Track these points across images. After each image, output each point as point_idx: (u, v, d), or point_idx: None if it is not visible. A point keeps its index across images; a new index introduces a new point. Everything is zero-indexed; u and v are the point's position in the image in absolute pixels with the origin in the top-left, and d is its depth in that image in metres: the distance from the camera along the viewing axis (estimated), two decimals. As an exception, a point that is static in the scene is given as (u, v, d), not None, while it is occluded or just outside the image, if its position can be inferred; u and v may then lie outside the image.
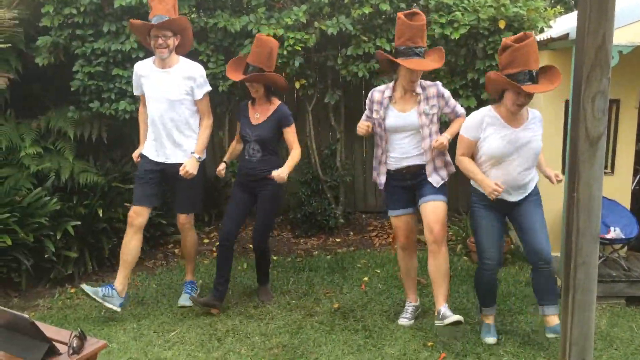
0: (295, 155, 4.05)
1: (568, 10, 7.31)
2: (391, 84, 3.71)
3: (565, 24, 4.85)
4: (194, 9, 5.27)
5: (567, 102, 4.45)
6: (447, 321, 3.43)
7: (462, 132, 3.50)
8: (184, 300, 4.24)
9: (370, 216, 6.31)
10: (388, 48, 5.02)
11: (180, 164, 4.03)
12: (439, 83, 3.68)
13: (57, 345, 2.17)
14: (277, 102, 4.08)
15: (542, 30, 4.95)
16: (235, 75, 4.05)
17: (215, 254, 5.34)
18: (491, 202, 3.44)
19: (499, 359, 3.41)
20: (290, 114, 4.11)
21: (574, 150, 1.80)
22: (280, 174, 3.87)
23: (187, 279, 4.41)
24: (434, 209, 3.60)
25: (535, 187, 3.52)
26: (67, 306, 4.31)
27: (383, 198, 3.92)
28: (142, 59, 4.41)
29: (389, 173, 3.74)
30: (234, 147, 4.36)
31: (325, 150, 5.92)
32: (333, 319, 3.97)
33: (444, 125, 3.87)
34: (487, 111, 3.43)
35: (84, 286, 3.94)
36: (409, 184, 3.71)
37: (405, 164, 3.67)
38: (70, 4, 4.87)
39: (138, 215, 4.02)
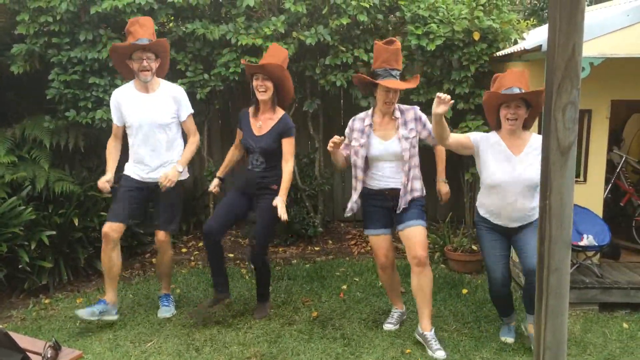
0: (288, 172, 3.90)
1: (541, 22, 7.48)
2: (370, 111, 3.77)
3: (539, 35, 4.96)
4: (172, 18, 5.27)
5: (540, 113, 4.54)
6: (436, 356, 3.53)
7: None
8: (165, 312, 4.20)
9: (349, 225, 6.34)
10: (366, 58, 5.09)
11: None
12: (416, 107, 3.73)
13: (31, 355, 2.14)
14: (280, 112, 3.97)
15: (515, 42, 5.07)
16: (254, 65, 3.91)
17: (192, 264, 5.31)
18: (493, 225, 3.56)
19: (476, 365, 3.45)
20: (294, 127, 4.01)
21: (546, 159, 1.84)
22: (280, 204, 3.79)
23: (162, 292, 4.37)
24: (417, 234, 3.65)
25: None
26: (42, 317, 4.23)
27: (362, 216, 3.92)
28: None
29: (369, 193, 3.75)
30: (232, 156, 4.27)
31: (304, 159, 5.94)
32: (312, 327, 3.97)
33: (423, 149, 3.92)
34: (492, 134, 3.56)
35: (79, 312, 3.86)
36: (389, 205, 3.73)
37: (387, 186, 3.70)
38: (46, 12, 4.83)
39: (113, 231, 3.93)
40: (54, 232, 4.57)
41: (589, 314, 4.16)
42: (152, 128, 3.96)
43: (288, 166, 3.92)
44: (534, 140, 3.49)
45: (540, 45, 3.92)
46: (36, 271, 4.53)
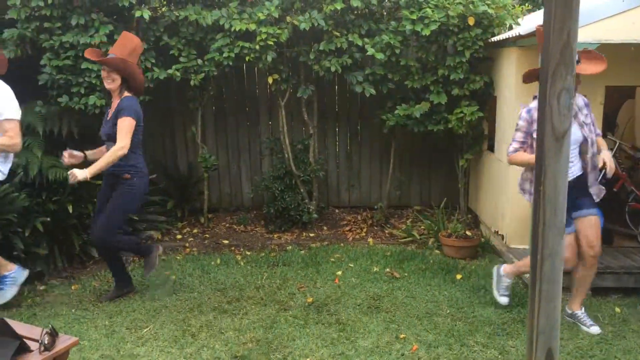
0: (112, 150, 3.82)
1: (537, 7, 7.45)
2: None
3: (534, 21, 4.95)
4: (164, 2, 5.22)
5: (534, 97, 4.54)
6: (591, 331, 3.65)
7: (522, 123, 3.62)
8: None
9: (343, 211, 6.35)
10: (360, 43, 5.06)
11: None
12: (580, 95, 3.69)
13: (28, 342, 2.14)
14: (125, 95, 3.98)
15: (510, 28, 5.06)
16: (93, 55, 3.98)
17: (187, 251, 5.32)
18: None
19: (470, 349, 3.48)
20: (132, 106, 3.91)
21: (541, 145, 1.85)
22: (77, 173, 3.70)
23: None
24: (594, 224, 3.62)
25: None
26: (37, 304, 4.23)
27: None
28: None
29: None
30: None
31: (299, 146, 5.93)
32: (307, 313, 4.00)
33: None
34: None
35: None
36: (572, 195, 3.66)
37: (571, 176, 3.62)
38: (38, -4, 4.77)
39: None
40: (48, 219, 4.56)
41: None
42: None
43: (115, 146, 3.84)
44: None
45: (534, 31, 3.90)
46: (31, 258, 4.52)
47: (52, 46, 4.88)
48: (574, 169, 3.64)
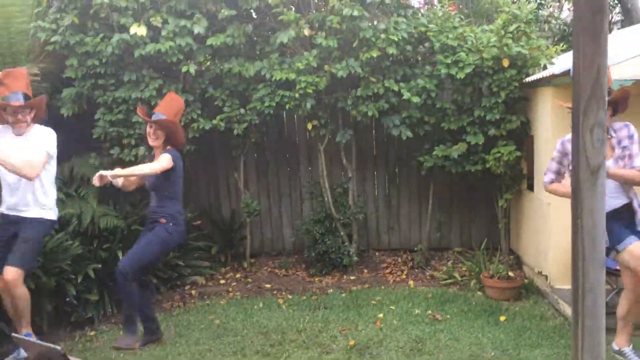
0: (142, 165, 4.17)
1: (571, 47, 7.47)
2: None
3: (568, 60, 4.98)
4: (209, 57, 5.51)
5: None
6: None
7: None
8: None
9: (383, 254, 6.34)
10: (396, 89, 5.19)
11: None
12: (629, 124, 3.60)
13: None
14: (168, 148, 4.19)
15: (545, 67, 5.11)
16: (144, 115, 4.25)
17: (230, 295, 5.40)
18: None
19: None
20: (175, 154, 4.15)
21: (576, 179, 1.89)
22: (105, 172, 3.97)
23: (24, 330, 3.95)
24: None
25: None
26: (87, 349, 4.36)
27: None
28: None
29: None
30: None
31: (338, 189, 6.02)
32: (349, 356, 3.99)
33: None
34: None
35: None
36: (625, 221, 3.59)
37: (618, 203, 3.57)
38: (93, 55, 5.13)
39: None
40: (99, 266, 4.74)
41: (632, 339, 4.04)
42: None
43: (149, 164, 4.10)
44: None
45: (569, 70, 3.95)
46: (82, 304, 4.69)
47: (105, 101, 5.21)
48: (618, 201, 3.57)
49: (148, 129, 4.19)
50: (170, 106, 4.22)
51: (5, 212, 4.02)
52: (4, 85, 3.92)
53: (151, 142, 4.19)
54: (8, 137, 3.97)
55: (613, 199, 3.53)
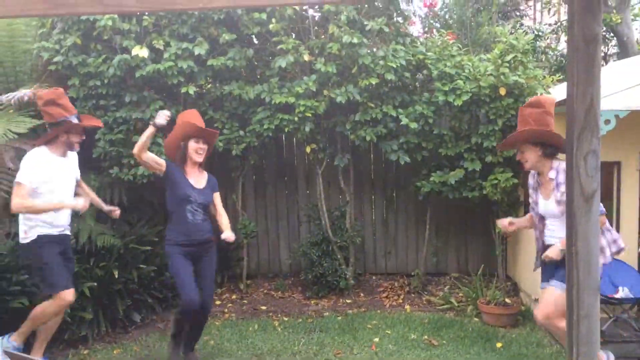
0: (223, 215, 4.26)
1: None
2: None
3: (564, 90, 5.07)
4: (210, 80, 5.59)
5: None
6: None
7: None
8: None
9: (380, 277, 6.34)
10: (394, 114, 5.26)
11: None
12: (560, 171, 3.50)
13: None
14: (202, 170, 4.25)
15: (541, 97, 5.18)
16: (208, 130, 4.20)
17: (226, 316, 5.38)
18: None
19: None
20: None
21: (570, 206, 1.92)
22: (229, 232, 4.09)
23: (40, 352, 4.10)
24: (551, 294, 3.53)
25: None
26: (80, 368, 4.33)
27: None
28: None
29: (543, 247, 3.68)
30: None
31: (335, 212, 6.05)
32: (345, 380, 3.97)
33: None
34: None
35: None
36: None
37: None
38: (95, 76, 5.19)
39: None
40: (94, 284, 4.73)
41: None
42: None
43: (224, 214, 4.27)
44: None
45: (565, 99, 4.02)
46: (76, 322, 4.66)
47: (106, 121, 5.25)
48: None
49: (196, 144, 4.04)
50: (199, 119, 4.15)
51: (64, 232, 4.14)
52: (60, 106, 3.89)
53: (198, 158, 4.08)
54: (57, 162, 3.97)
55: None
